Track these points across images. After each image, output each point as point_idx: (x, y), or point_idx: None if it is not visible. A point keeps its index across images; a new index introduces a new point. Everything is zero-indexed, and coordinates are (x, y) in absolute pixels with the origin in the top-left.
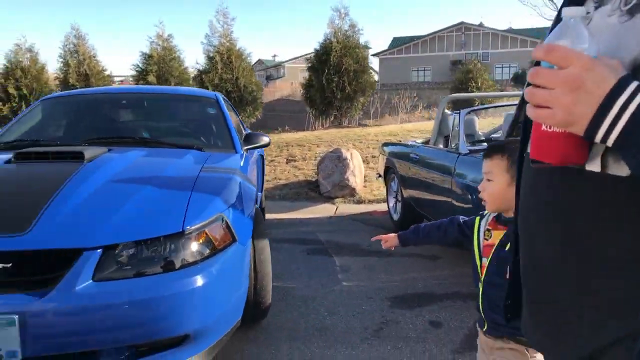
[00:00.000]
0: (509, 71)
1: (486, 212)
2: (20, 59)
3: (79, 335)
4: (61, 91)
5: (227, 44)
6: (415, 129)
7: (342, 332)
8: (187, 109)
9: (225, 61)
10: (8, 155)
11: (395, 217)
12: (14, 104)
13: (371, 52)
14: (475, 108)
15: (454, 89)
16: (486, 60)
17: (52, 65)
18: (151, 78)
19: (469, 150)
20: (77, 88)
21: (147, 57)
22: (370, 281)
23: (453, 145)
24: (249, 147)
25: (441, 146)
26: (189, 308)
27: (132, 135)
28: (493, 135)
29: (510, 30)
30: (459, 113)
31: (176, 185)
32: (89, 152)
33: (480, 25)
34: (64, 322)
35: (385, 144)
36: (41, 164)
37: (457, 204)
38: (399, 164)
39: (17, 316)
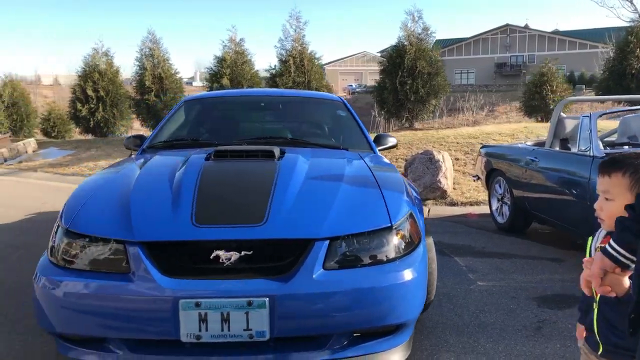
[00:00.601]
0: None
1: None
2: (97, 63)
3: (316, 318)
4: (136, 93)
5: (299, 47)
6: (494, 131)
7: (501, 328)
8: (320, 111)
9: (297, 64)
10: (200, 155)
11: (500, 219)
12: (92, 105)
13: None
14: (608, 111)
15: (528, 93)
16: (532, 62)
17: (126, 69)
18: (225, 81)
19: (605, 154)
20: (152, 90)
21: (220, 61)
22: (505, 281)
23: (583, 148)
24: (380, 147)
25: (557, 148)
26: (402, 299)
27: (276, 135)
28: (607, 139)
29: (556, 32)
30: (589, 116)
31: (362, 183)
32: (276, 151)
33: (526, 27)
34: (305, 307)
35: (485, 146)
36: (240, 162)
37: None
38: (507, 166)
39: (267, 299)
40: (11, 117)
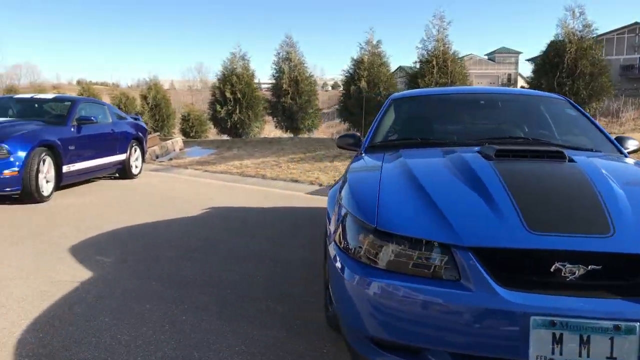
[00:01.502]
0: None
1: None
2: (235, 66)
3: None
4: (272, 96)
5: (442, 47)
6: None
7: None
8: (544, 110)
9: (440, 65)
10: (472, 154)
11: None
12: (230, 107)
13: (525, 56)
14: None
15: None
16: None
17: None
18: (363, 83)
19: None
20: (288, 93)
21: (358, 63)
22: None
23: None
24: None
25: None
26: None
27: (515, 135)
28: None
29: None
30: None
31: None
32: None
33: None
34: None
35: None
36: (533, 163)
37: None
38: None
39: (638, 324)
40: (154, 118)
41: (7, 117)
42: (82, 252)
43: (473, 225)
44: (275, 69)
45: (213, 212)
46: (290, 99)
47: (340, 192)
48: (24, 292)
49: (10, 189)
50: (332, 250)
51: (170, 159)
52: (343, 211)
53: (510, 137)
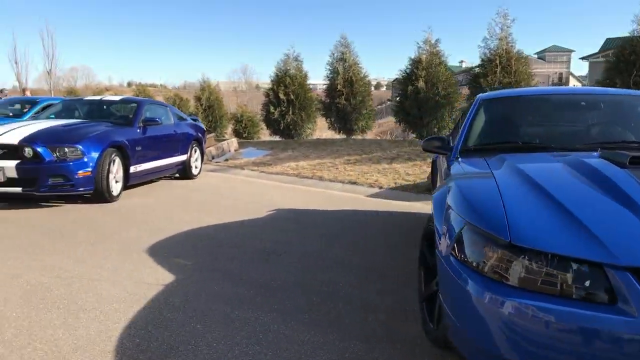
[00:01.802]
0: None
1: None
2: (288, 67)
3: None
4: (326, 97)
5: (505, 46)
6: None
7: None
8: None
9: (503, 64)
10: (595, 160)
11: None
12: (283, 108)
13: (579, 54)
14: None
15: None
16: None
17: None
18: (421, 83)
19: None
20: (343, 93)
21: (415, 62)
22: None
23: None
24: None
25: None
26: None
27: (619, 138)
28: None
29: None
30: None
31: None
32: None
33: None
34: None
35: None
36: None
37: None
38: None
39: None
40: (207, 119)
41: (73, 118)
42: (160, 253)
43: (628, 241)
44: (329, 69)
45: (279, 213)
46: (345, 99)
47: (447, 199)
48: (112, 294)
49: (83, 189)
50: (445, 262)
51: (226, 160)
52: (459, 221)
53: (624, 142)
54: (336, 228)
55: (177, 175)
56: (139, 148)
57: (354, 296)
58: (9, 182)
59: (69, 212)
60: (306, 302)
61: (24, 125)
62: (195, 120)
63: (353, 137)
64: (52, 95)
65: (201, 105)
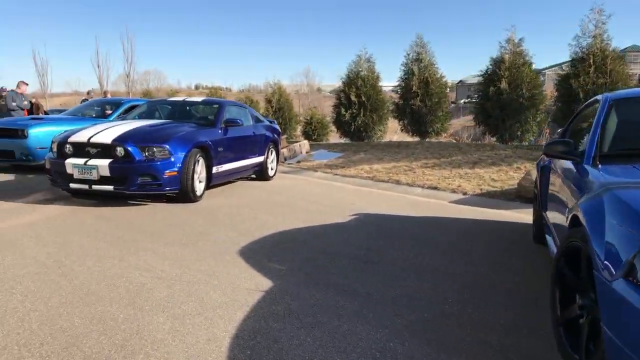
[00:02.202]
0: None
1: None
2: (360, 69)
3: None
4: (399, 98)
5: (599, 44)
6: None
7: None
8: None
9: (597, 64)
10: None
11: None
12: (354, 110)
13: None
14: None
15: None
16: None
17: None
18: (503, 84)
19: None
20: (418, 95)
21: (497, 62)
22: None
23: None
24: None
25: None
26: None
27: None
28: None
29: None
30: None
31: None
32: None
33: None
34: None
35: None
36: None
37: None
38: None
39: None
40: (277, 121)
41: (157, 119)
42: (252, 256)
43: None
44: (403, 70)
45: (363, 218)
46: (420, 101)
47: (606, 212)
48: (214, 299)
49: (169, 189)
50: (615, 287)
51: (299, 162)
52: (635, 239)
53: None
54: (425, 235)
55: (253, 176)
56: (220, 149)
57: (469, 313)
58: (102, 180)
59: (155, 211)
60: (418, 318)
61: (114, 126)
62: (271, 122)
63: (427, 139)
64: (130, 97)
65: (271, 107)
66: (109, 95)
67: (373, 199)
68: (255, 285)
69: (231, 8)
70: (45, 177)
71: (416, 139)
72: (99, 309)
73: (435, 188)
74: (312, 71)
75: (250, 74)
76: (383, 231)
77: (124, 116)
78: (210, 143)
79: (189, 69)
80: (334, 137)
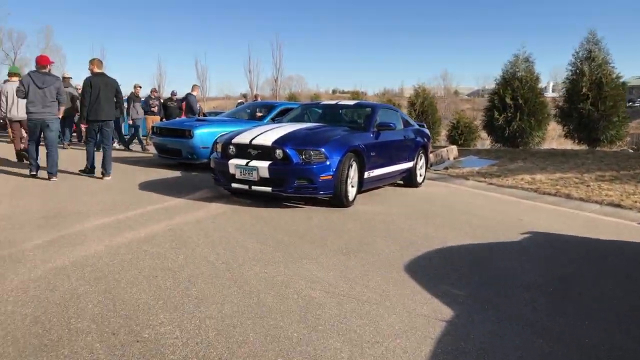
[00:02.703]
0: None
1: None
2: (517, 69)
3: None
4: (564, 101)
5: None
6: None
7: None
8: None
9: None
10: None
11: None
12: (509, 114)
13: None
14: None
15: None
16: None
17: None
18: None
19: None
20: (588, 97)
21: None
22: None
23: None
24: None
25: None
26: None
27: None
28: None
29: None
30: None
31: None
32: None
33: None
34: None
35: None
36: None
37: None
38: None
39: None
40: None
41: (309, 122)
42: (422, 275)
43: None
44: (571, 70)
45: (537, 238)
46: (591, 104)
47: None
48: (390, 325)
49: (323, 192)
50: None
51: (446, 168)
52: None
53: None
54: (623, 264)
55: (401, 182)
56: (372, 153)
57: None
58: (261, 181)
59: (310, 215)
60: None
61: (273, 128)
62: (421, 125)
63: (598, 148)
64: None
65: (415, 110)
66: (259, 99)
67: (542, 215)
68: (432, 311)
69: (365, 13)
70: (207, 175)
71: (583, 147)
72: (271, 323)
73: (618, 205)
74: (450, 75)
75: (383, 78)
76: (566, 255)
77: (280, 119)
78: (363, 147)
79: (325, 74)
80: (480, 143)
